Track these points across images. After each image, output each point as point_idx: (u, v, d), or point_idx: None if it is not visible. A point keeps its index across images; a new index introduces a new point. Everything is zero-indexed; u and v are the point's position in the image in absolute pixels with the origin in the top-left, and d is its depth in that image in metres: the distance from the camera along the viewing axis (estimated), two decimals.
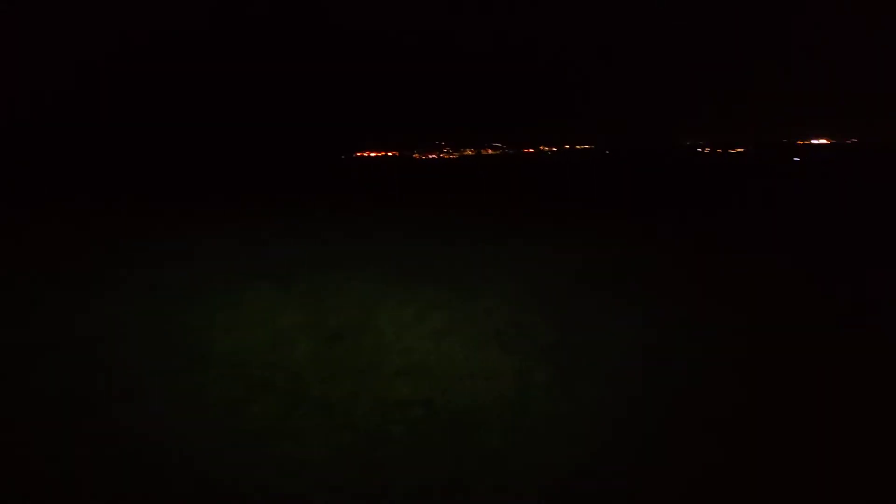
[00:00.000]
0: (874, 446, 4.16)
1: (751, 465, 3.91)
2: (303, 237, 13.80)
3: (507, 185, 34.12)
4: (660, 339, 6.28)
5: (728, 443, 4.20)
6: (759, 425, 4.45)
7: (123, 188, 32.28)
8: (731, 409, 4.70)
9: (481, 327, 6.69)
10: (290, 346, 6.14)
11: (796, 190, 26.52)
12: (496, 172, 54.12)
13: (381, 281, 8.85)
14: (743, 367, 5.59)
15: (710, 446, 4.17)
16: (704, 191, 28.19)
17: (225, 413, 4.75)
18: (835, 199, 21.25)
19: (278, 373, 5.52)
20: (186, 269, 9.78)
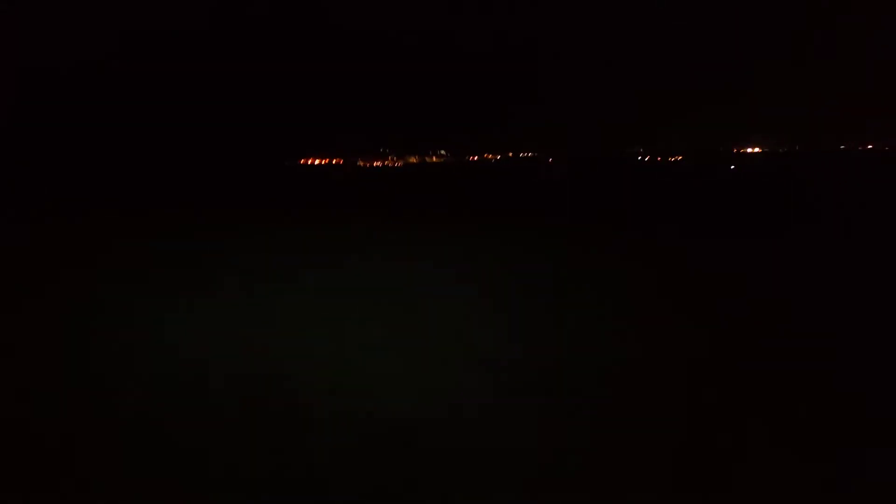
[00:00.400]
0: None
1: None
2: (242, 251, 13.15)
3: (453, 195, 33.78)
4: (596, 353, 5.98)
5: None
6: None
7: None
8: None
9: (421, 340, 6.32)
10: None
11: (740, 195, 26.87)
12: (440, 181, 53.89)
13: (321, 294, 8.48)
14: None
15: None
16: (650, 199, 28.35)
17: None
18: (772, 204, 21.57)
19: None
20: None
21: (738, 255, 11.45)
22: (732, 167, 70.60)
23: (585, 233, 15.41)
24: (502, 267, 10.46)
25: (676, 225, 16.51)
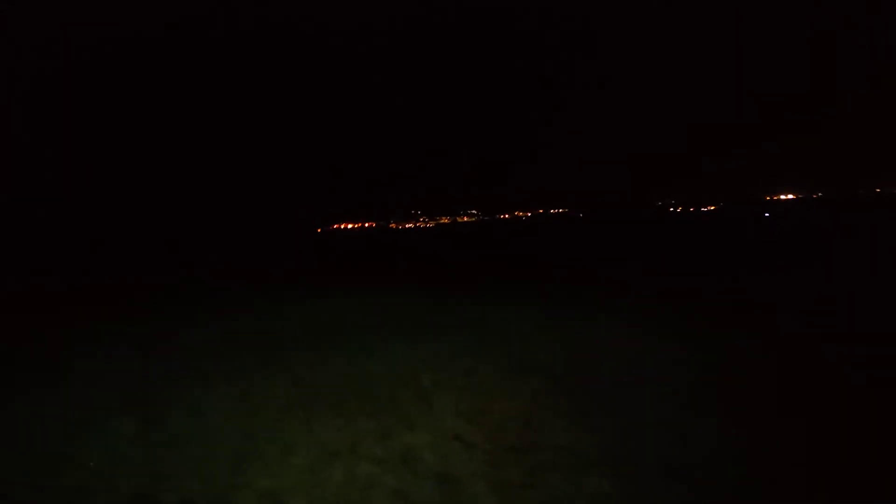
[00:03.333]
0: None
1: None
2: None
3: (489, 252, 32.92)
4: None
5: None
6: None
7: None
8: None
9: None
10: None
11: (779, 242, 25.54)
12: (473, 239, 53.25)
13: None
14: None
15: None
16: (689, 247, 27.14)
17: None
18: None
19: None
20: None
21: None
22: (766, 214, 69.10)
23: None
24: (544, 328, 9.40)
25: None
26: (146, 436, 5.82)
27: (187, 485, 4.78)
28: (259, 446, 5.42)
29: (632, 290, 13.17)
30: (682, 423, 5.39)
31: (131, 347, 9.66)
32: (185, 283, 22.62)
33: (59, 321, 13.24)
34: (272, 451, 5.29)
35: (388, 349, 8.60)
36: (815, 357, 7.18)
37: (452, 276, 19.15)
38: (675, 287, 13.30)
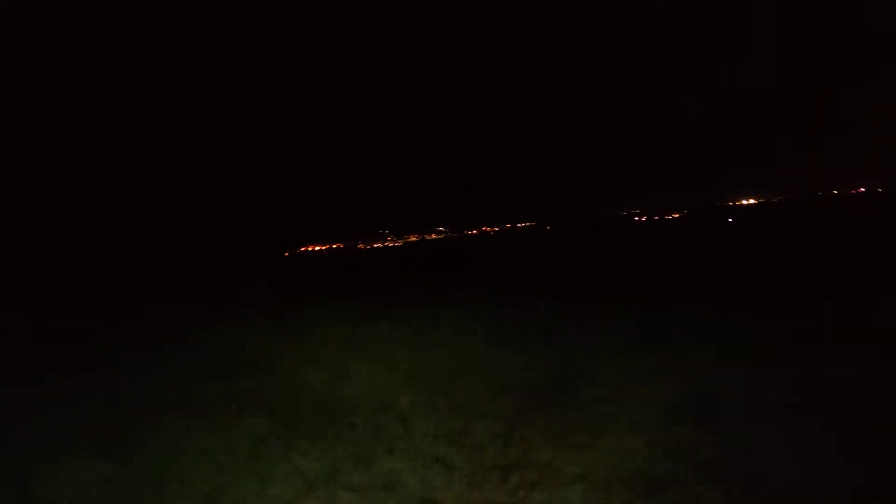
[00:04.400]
0: None
1: None
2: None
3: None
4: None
5: None
6: None
7: None
8: None
9: None
10: None
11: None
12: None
13: None
14: None
15: None
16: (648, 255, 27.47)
17: None
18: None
19: None
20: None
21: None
22: (730, 220, 70.18)
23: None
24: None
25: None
26: (121, 474, 5.65)
27: None
28: (235, 479, 5.29)
29: (608, 302, 13.23)
30: (666, 437, 5.40)
31: (103, 383, 9.41)
32: (151, 315, 22.19)
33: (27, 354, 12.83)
34: (249, 484, 5.17)
35: (364, 373, 8.50)
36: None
37: (426, 296, 19.05)
38: (652, 296, 13.38)
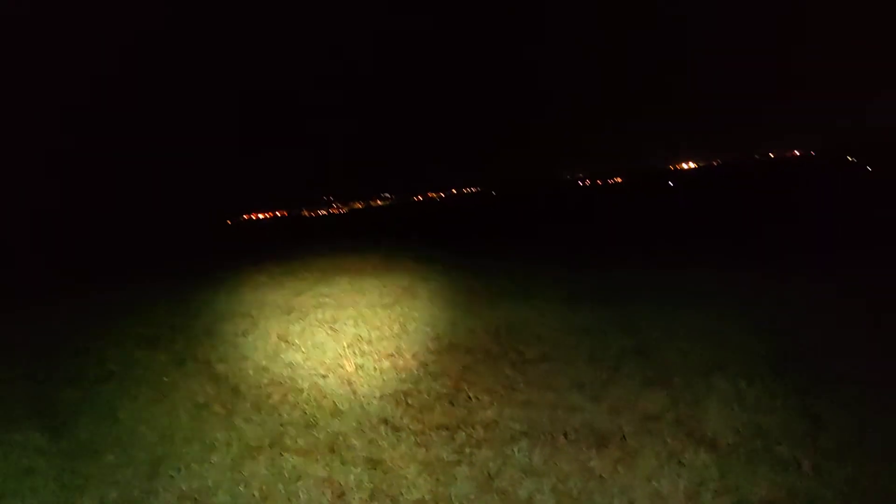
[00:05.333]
0: None
1: None
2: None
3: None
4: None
5: None
6: None
7: None
8: None
9: None
10: None
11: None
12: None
13: None
14: None
15: None
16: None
17: None
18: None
19: None
20: None
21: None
22: (671, 183, 71.67)
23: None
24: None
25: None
26: (55, 446, 5.46)
27: (102, 493, 4.52)
28: (177, 447, 5.19)
29: (557, 264, 13.35)
30: (609, 393, 5.50)
31: (35, 352, 9.05)
32: (88, 280, 21.47)
33: None
34: (192, 452, 5.07)
35: (309, 338, 8.40)
36: None
37: (372, 261, 18.91)
38: (595, 259, 13.57)
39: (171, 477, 4.65)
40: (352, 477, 4.39)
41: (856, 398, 4.86)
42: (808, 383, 5.23)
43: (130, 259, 33.69)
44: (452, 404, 5.53)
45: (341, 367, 6.85)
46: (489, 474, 4.25)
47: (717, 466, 4.08)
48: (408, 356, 7.07)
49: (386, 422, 5.28)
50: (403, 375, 6.43)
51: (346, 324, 8.90)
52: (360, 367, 6.83)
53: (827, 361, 5.67)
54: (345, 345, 7.82)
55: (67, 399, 6.67)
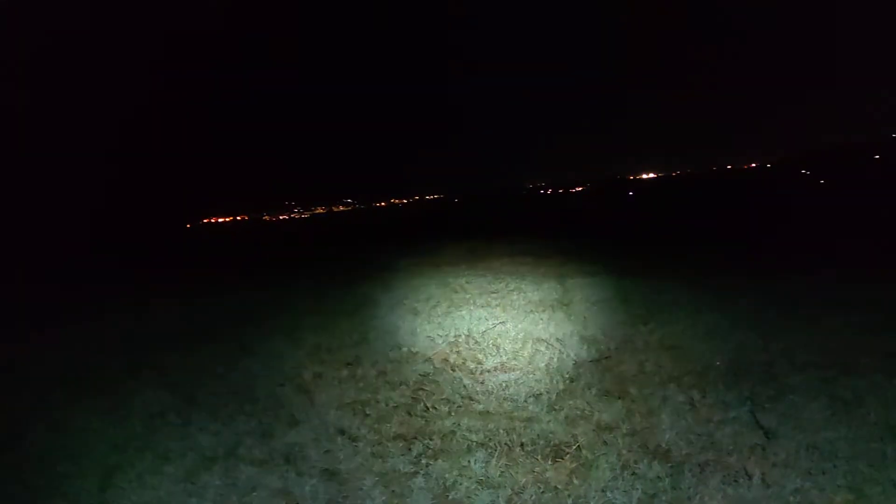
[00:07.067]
0: None
1: None
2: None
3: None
4: None
5: None
6: None
7: None
8: None
9: None
10: None
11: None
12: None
13: None
14: None
15: None
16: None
17: None
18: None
19: None
20: None
21: None
22: (630, 193, 73.12)
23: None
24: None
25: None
26: (3, 457, 5.32)
27: None
28: (130, 457, 5.09)
29: (517, 274, 13.42)
30: (566, 403, 5.57)
31: None
32: (38, 284, 20.95)
33: None
34: (145, 461, 4.99)
35: (267, 346, 8.33)
36: None
37: (333, 268, 18.82)
38: (555, 269, 13.68)
39: (123, 489, 4.56)
40: (307, 488, 4.36)
41: (807, 411, 5.00)
42: (761, 396, 5.36)
43: (86, 263, 32.99)
44: (410, 414, 5.53)
45: (299, 377, 6.81)
46: (445, 486, 4.26)
47: (670, 478, 4.16)
48: (367, 365, 7.06)
49: (343, 432, 5.26)
50: (362, 385, 6.41)
51: (306, 332, 8.85)
52: (318, 375, 6.80)
53: (780, 374, 5.81)
54: (304, 354, 7.78)
55: (17, 407, 6.51)
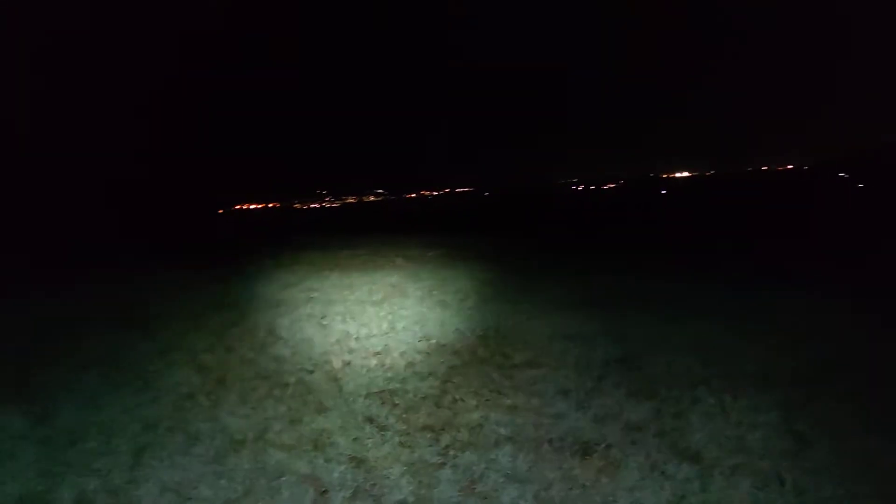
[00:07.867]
0: None
1: None
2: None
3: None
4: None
5: None
6: None
7: None
8: None
9: None
10: None
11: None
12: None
13: None
14: None
15: None
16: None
17: None
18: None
19: None
20: None
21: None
22: (663, 191, 72.35)
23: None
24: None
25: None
26: (36, 431, 5.43)
27: (83, 481, 4.49)
28: (160, 437, 5.16)
29: (547, 270, 13.36)
30: (595, 401, 5.51)
31: (21, 336, 8.98)
32: (76, 267, 21.32)
33: None
34: (174, 442, 5.05)
35: (297, 333, 8.38)
36: None
37: (363, 257, 18.86)
38: (585, 266, 13.59)
39: (153, 467, 4.62)
40: (335, 475, 4.38)
41: (840, 417, 4.89)
42: (794, 400, 5.26)
43: (119, 247, 33.54)
44: (438, 406, 5.53)
45: (329, 365, 6.84)
46: (472, 478, 4.24)
47: (700, 480, 4.10)
48: (395, 355, 7.07)
49: (371, 420, 5.27)
50: (390, 374, 6.42)
51: (335, 320, 8.88)
52: (346, 363, 6.82)
53: (813, 379, 5.70)
54: (333, 341, 7.81)
55: (51, 384, 6.63)
